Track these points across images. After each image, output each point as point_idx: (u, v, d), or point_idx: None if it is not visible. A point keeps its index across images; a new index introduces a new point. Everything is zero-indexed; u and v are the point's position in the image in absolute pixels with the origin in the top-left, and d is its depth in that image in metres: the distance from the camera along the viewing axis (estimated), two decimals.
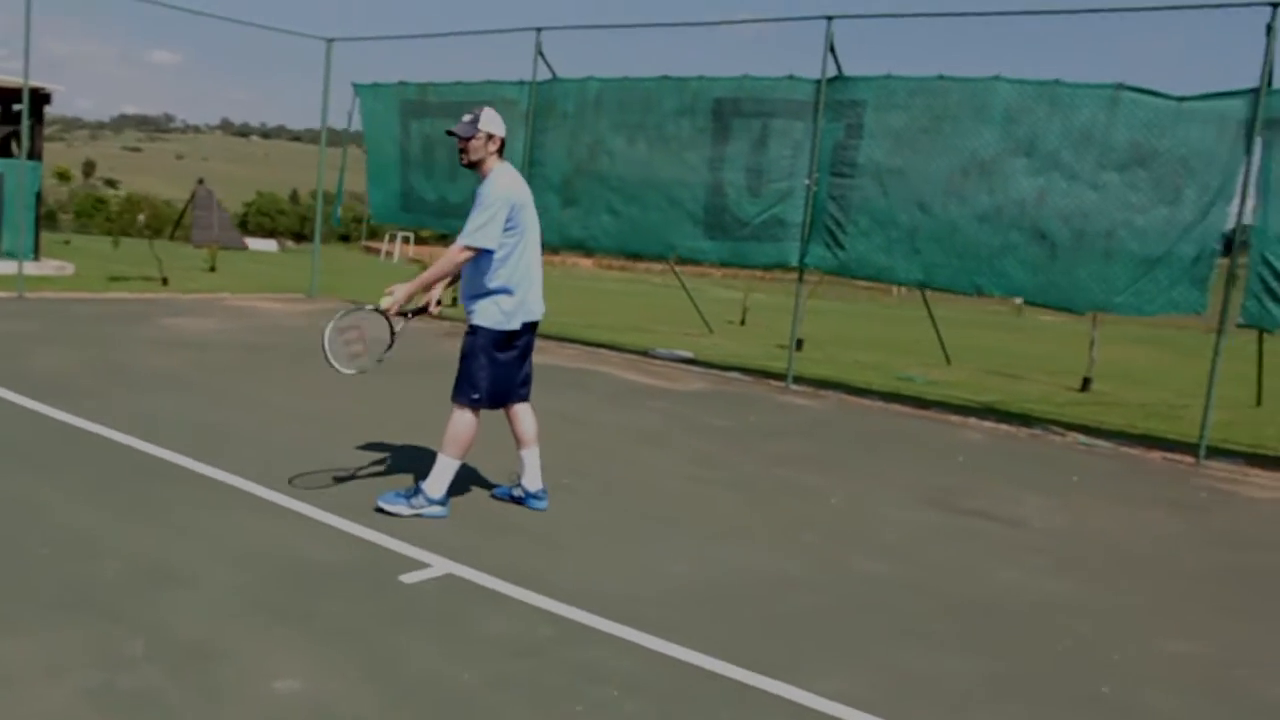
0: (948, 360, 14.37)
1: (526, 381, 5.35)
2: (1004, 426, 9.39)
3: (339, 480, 5.50)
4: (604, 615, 3.94)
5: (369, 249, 49.12)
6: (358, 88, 13.74)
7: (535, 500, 5.33)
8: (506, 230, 4.94)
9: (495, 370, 5.09)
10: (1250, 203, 8.11)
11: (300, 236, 58.14)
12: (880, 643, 4.00)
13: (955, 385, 12.05)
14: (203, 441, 5.99)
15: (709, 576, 4.57)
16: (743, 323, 19.35)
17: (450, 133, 5.09)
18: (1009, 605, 4.58)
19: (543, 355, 11.25)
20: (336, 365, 4.94)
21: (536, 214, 5.18)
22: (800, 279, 10.61)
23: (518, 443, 5.34)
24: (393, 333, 5.18)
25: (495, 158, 5.07)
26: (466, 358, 5.09)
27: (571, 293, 23.00)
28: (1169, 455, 8.61)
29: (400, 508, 4.96)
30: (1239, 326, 8.30)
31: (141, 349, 9.23)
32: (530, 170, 12.10)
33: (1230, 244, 8.25)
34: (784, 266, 10.67)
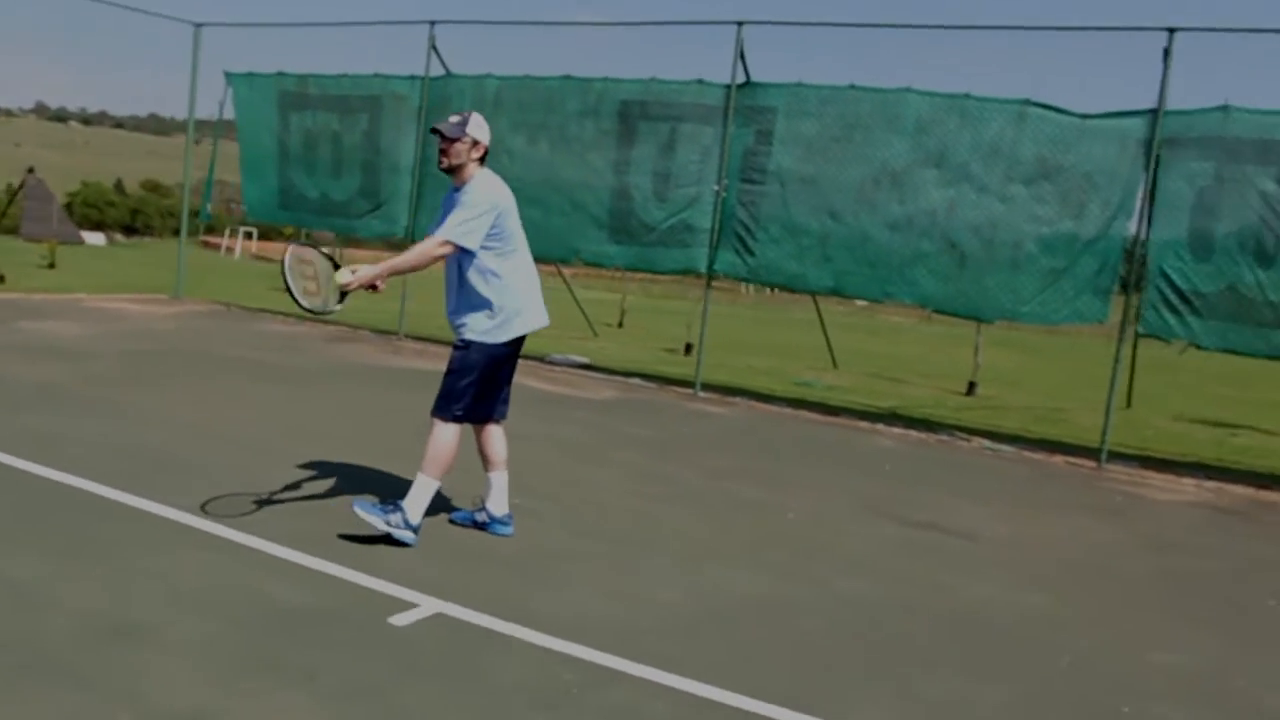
0: (835, 364, 14.62)
1: (507, 399, 5.05)
2: (912, 433, 9.54)
3: (283, 507, 5.04)
4: (615, 652, 3.69)
5: (206, 244, 46.64)
6: (230, 76, 12.90)
7: (501, 526, 5.02)
8: (493, 237, 4.63)
9: (483, 387, 4.79)
10: (1148, 218, 8.48)
11: (131, 229, 54.72)
12: (893, 668, 3.90)
13: (851, 390, 12.24)
14: (122, 467, 5.40)
15: (701, 603, 4.37)
16: (620, 325, 19.25)
17: (435, 130, 4.73)
18: (997, 622, 4.57)
19: (431, 360, 10.84)
20: (295, 292, 4.44)
21: (520, 222, 4.86)
22: (709, 285, 10.53)
23: (487, 464, 5.03)
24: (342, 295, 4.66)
25: (476, 165, 4.73)
26: (455, 373, 4.75)
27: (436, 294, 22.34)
28: (1070, 459, 8.92)
29: (375, 520, 4.57)
30: (1139, 336, 8.67)
31: (8, 358, 8.34)
32: (423, 169, 11.63)
33: (1130, 257, 8.60)
34: (692, 273, 10.58)
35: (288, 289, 4.44)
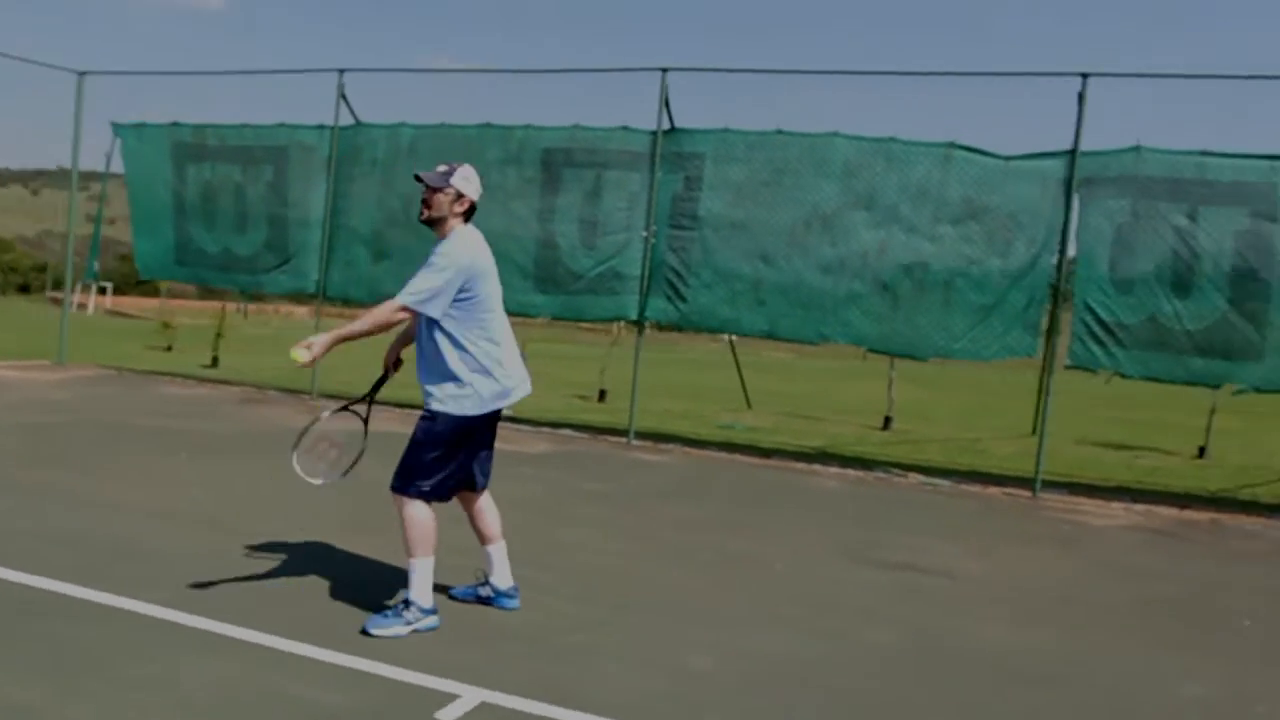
0: (749, 404, 14.72)
1: (487, 470, 4.77)
2: (849, 471, 9.63)
3: (272, 594, 4.67)
4: None
5: (55, 300, 44.13)
6: (118, 128, 12.21)
7: (507, 599, 4.76)
8: (462, 302, 4.33)
9: (451, 462, 4.48)
10: (1071, 254, 8.83)
11: None
12: None
13: (773, 431, 12.31)
14: (74, 559, 4.92)
15: (736, 669, 4.22)
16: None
17: (418, 178, 4.47)
18: (1024, 667, 4.56)
19: (351, 420, 10.37)
20: (320, 481, 4.44)
21: (500, 285, 4.61)
22: (640, 333, 10.45)
23: (482, 539, 4.76)
24: (364, 420, 4.64)
25: (460, 220, 4.46)
26: (419, 445, 4.43)
27: (349, 346, 21.59)
28: (1006, 490, 9.15)
29: (397, 628, 4.26)
30: (1066, 368, 8.98)
31: None
32: (334, 221, 11.23)
33: (1056, 292, 8.93)
34: (623, 320, 10.49)
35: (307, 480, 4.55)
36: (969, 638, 4.90)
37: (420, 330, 4.46)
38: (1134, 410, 17.15)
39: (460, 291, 4.33)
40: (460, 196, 4.44)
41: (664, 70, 9.97)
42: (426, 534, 4.41)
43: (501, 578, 4.76)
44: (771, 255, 9.67)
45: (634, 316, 10.26)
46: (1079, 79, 8.65)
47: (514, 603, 4.75)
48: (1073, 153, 8.72)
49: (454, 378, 4.40)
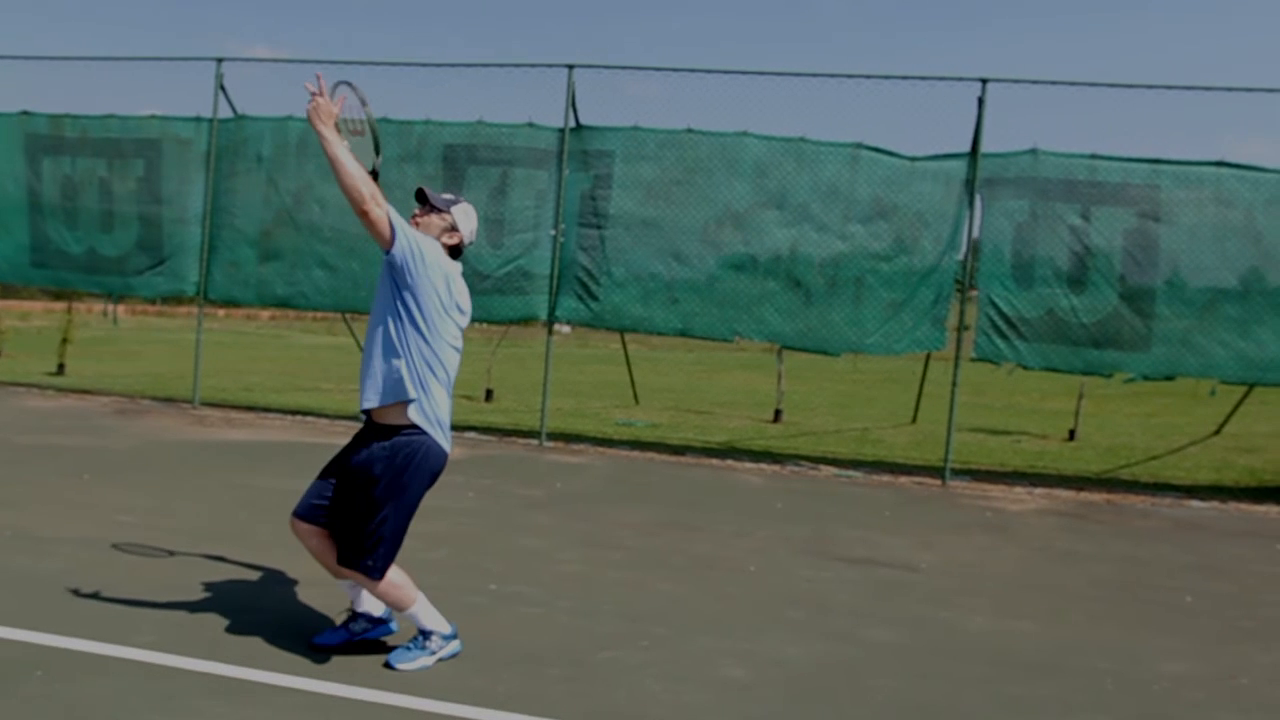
0: (636, 400, 14.73)
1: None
2: (764, 466, 9.78)
3: (264, 629, 4.34)
4: None
5: None
6: None
7: (391, 625, 4.25)
8: (402, 293, 3.89)
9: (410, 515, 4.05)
10: (975, 251, 9.23)
11: None
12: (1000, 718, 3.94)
13: (673, 427, 12.37)
14: (30, 603, 4.43)
15: (768, 677, 4.21)
16: None
17: (421, 191, 4.19)
18: (1024, 655, 4.74)
19: (249, 430, 9.85)
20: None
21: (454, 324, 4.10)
22: (550, 332, 10.29)
23: (341, 571, 4.12)
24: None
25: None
26: (378, 516, 3.93)
27: (214, 348, 20.38)
28: (917, 480, 9.50)
29: (423, 660, 4.02)
30: (972, 360, 9.38)
31: None
32: (215, 219, 10.57)
33: (962, 287, 9.32)
34: (532, 320, 10.31)
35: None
36: (962, 630, 5.05)
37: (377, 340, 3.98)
38: (990, 396, 18.12)
39: (436, 293, 3.92)
40: (453, 230, 4.11)
41: (570, 67, 9.83)
42: (406, 585, 4.07)
43: (374, 604, 4.22)
44: (684, 254, 9.70)
45: (544, 316, 10.09)
46: (979, 84, 9.04)
47: (394, 625, 4.26)
48: (974, 154, 9.11)
49: (427, 393, 3.97)
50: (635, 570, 5.81)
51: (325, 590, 4.80)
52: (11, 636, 4.03)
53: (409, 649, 4.07)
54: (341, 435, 9.94)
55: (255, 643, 4.16)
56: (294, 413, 11.18)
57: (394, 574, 4.05)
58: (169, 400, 11.36)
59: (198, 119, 10.57)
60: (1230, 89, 8.79)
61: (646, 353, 28.71)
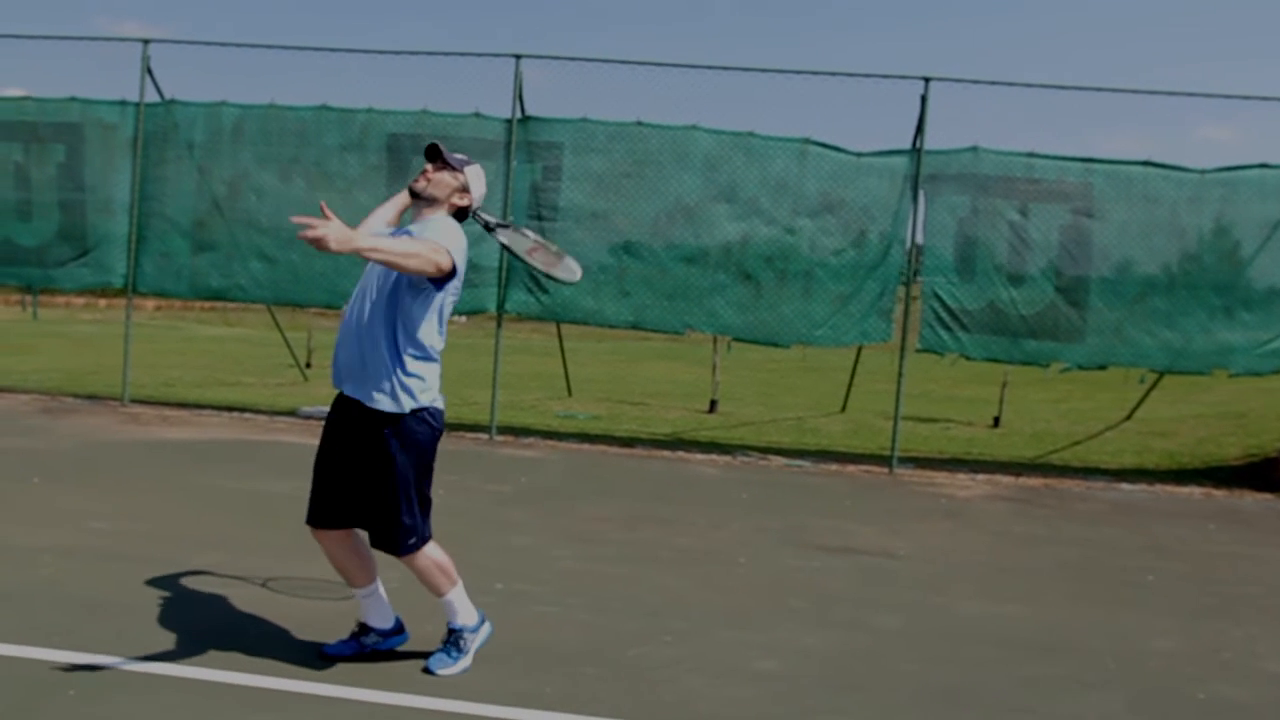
0: (569, 392, 14.70)
1: None
2: (716, 457, 9.89)
3: (285, 639, 4.22)
4: None
5: None
6: None
7: (404, 635, 4.16)
8: (419, 294, 3.80)
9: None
10: (920, 245, 9.51)
11: None
12: (1014, 698, 4.11)
13: (614, 419, 12.39)
14: (28, 619, 4.21)
15: (805, 668, 4.30)
16: (308, 365, 17.95)
17: (434, 146, 3.97)
18: (1023, 637, 4.93)
19: (190, 428, 9.50)
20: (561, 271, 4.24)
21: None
22: (499, 325, 10.19)
23: (359, 579, 4.04)
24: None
25: (446, 214, 3.97)
26: (405, 478, 3.81)
27: (115, 341, 19.46)
28: (865, 468, 9.74)
29: (462, 662, 3.96)
30: (917, 351, 9.66)
31: None
32: (144, 208, 10.13)
33: (908, 281, 9.58)
34: (480, 312, 10.20)
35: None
36: (958, 615, 5.23)
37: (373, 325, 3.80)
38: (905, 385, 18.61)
39: (442, 282, 3.80)
40: (465, 191, 4.00)
41: (518, 57, 9.74)
42: (447, 567, 3.98)
43: (384, 617, 4.11)
44: (635, 246, 9.73)
45: (493, 309, 9.99)
46: (922, 82, 9.29)
47: (407, 634, 4.17)
48: (918, 151, 9.37)
49: (426, 365, 3.87)
50: (630, 565, 5.83)
51: (335, 591, 4.69)
52: (30, 655, 3.83)
53: (449, 654, 3.99)
54: (284, 432, 9.69)
55: (283, 651, 4.05)
56: (229, 409, 10.82)
57: (438, 554, 3.95)
58: (94, 398, 10.86)
59: (123, 103, 10.10)
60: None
61: (551, 343, 28.64)
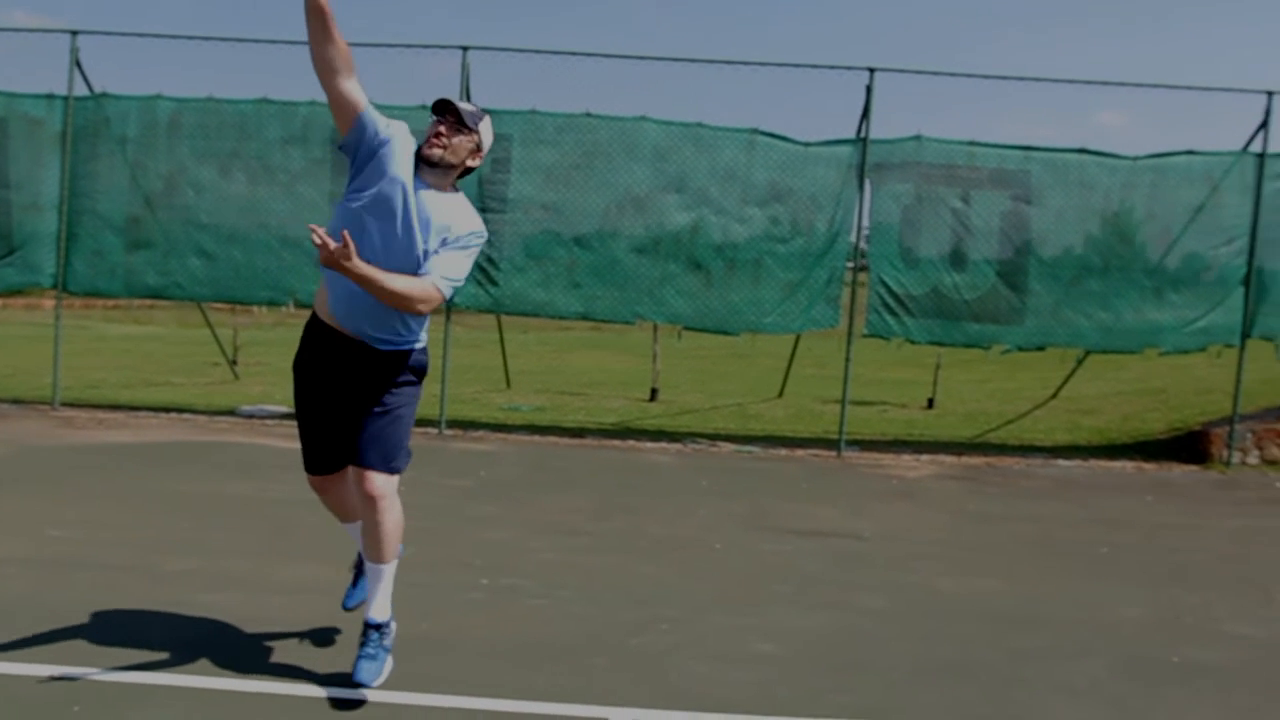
0: (508, 384, 14.63)
1: None
2: (667, 445, 9.97)
3: (293, 649, 4.16)
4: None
5: None
6: None
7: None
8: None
9: None
10: (865, 233, 9.70)
11: None
12: (1012, 671, 4.27)
13: (559, 410, 12.37)
14: (15, 634, 4.07)
15: (802, 649, 4.41)
16: (234, 362, 17.52)
17: (448, 103, 3.69)
18: (1003, 611, 5.12)
19: (129, 431, 9.23)
20: None
21: None
22: (448, 318, 10.10)
23: (353, 514, 3.99)
24: None
25: (463, 196, 3.84)
26: (405, 415, 3.77)
27: (20, 342, 18.67)
28: (813, 452, 9.92)
29: (387, 664, 3.74)
30: (864, 336, 9.86)
31: None
32: (74, 205, 9.78)
33: (855, 268, 9.77)
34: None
35: None
36: (938, 593, 5.40)
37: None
38: (831, 369, 18.92)
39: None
40: (478, 151, 3.74)
41: (464, 49, 9.64)
42: (400, 529, 3.78)
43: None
44: (585, 237, 9.73)
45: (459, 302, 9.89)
46: (866, 72, 9.47)
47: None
48: (863, 140, 9.55)
49: (423, 326, 3.85)
50: (609, 555, 5.87)
51: (327, 591, 4.63)
52: (23, 672, 3.72)
53: (374, 658, 3.68)
54: (226, 432, 9.46)
55: (281, 655, 4.00)
56: (165, 410, 10.51)
57: (401, 514, 3.77)
58: (19, 402, 10.47)
59: (50, 96, 9.72)
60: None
61: (480, 335, 28.40)
